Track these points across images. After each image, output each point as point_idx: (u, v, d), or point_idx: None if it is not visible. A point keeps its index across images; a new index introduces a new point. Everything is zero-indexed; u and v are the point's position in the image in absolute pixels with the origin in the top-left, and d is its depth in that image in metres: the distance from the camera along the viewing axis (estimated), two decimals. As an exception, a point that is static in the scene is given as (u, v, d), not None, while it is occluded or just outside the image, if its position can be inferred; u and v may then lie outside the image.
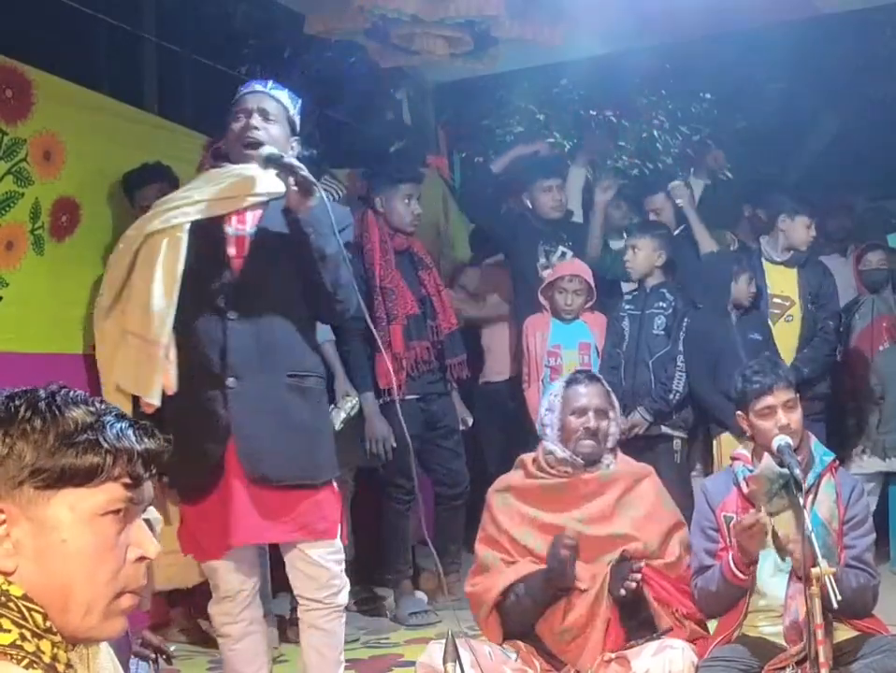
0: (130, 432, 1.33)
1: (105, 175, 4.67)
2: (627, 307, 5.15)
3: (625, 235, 5.37)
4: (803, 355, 5.17)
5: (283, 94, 3.20)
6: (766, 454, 3.14)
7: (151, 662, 2.76)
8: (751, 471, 3.17)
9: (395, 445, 4.80)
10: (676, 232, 5.59)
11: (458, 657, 2.00)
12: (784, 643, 3.02)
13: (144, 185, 4.56)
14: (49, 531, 1.28)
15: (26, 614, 1.27)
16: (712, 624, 3.30)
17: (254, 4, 6.39)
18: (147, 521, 2.29)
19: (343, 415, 4.67)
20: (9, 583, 1.27)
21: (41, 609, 1.28)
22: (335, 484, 3.12)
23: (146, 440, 1.34)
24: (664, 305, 5.07)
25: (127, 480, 1.32)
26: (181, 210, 2.98)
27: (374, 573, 5.31)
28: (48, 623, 1.28)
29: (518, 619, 3.21)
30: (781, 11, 5.72)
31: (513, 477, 3.42)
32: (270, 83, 3.23)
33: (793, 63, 6.89)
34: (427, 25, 5.20)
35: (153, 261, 2.93)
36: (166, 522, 3.26)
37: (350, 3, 5.09)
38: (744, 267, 5.12)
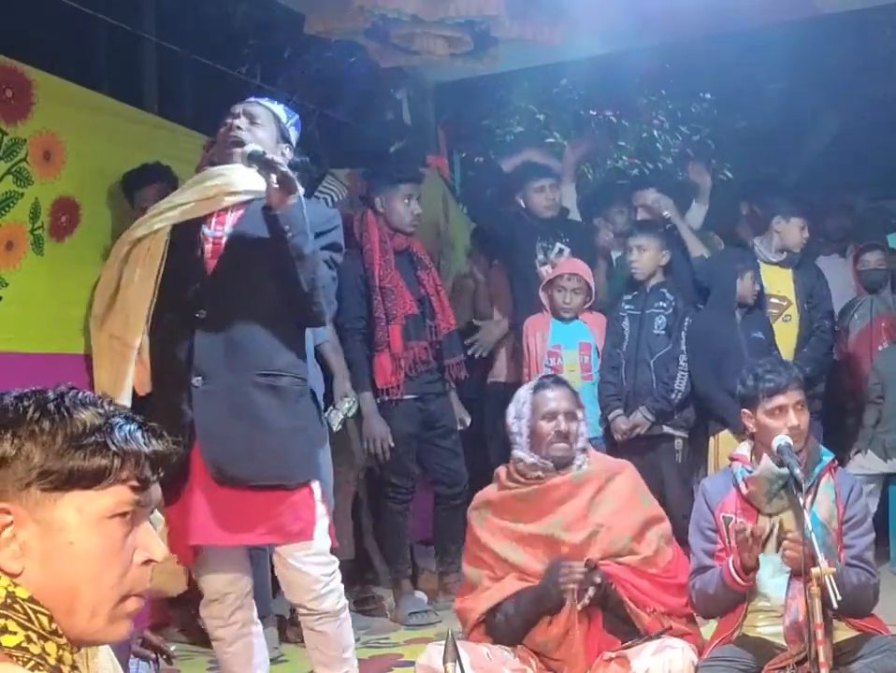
0: (139, 434, 1.32)
1: (105, 175, 4.67)
2: (626, 307, 5.15)
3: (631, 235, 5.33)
4: (803, 355, 5.18)
5: (276, 105, 3.25)
6: (765, 455, 3.15)
7: (151, 662, 2.76)
8: (750, 472, 3.17)
9: (392, 444, 4.81)
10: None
11: (458, 657, 2.00)
12: (784, 643, 3.02)
13: (144, 185, 4.56)
14: (56, 533, 1.27)
15: (32, 616, 1.26)
16: (710, 626, 3.31)
17: (254, 4, 6.39)
18: (147, 521, 2.29)
19: (341, 416, 4.67)
20: (15, 585, 1.27)
21: (47, 612, 1.27)
22: (315, 485, 3.05)
23: (154, 442, 1.33)
24: (664, 305, 5.07)
25: (135, 483, 1.31)
26: (164, 216, 3.05)
27: (371, 573, 5.32)
28: (53, 626, 1.28)
29: (506, 635, 3.19)
30: (781, 11, 5.71)
31: (489, 491, 3.43)
32: (266, 100, 3.28)
33: (793, 63, 6.90)
34: (427, 25, 5.19)
35: (135, 266, 3.02)
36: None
37: (350, 3, 5.09)
38: (748, 265, 5.12)
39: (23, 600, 1.26)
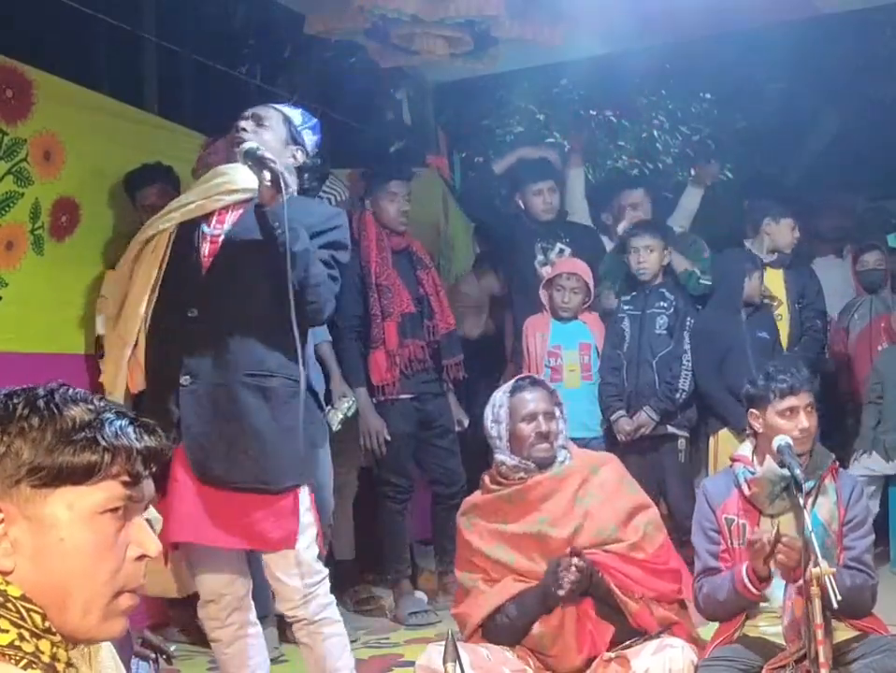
0: (130, 430, 1.32)
1: (105, 175, 4.67)
2: (626, 307, 5.15)
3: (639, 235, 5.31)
4: (794, 354, 5.19)
5: (291, 108, 3.26)
6: (768, 456, 3.14)
7: (151, 662, 2.76)
8: (752, 473, 3.16)
9: (388, 438, 4.81)
10: None
11: (458, 657, 2.00)
12: (784, 643, 3.02)
13: (146, 185, 4.57)
14: (47, 530, 1.27)
15: (24, 614, 1.26)
16: (711, 626, 3.31)
17: (254, 4, 6.39)
18: (146, 520, 2.29)
19: (340, 416, 4.67)
20: (7, 583, 1.26)
21: (40, 610, 1.27)
22: (302, 492, 3.00)
23: (146, 438, 1.33)
24: (665, 304, 5.07)
25: (126, 478, 1.31)
26: (170, 215, 3.06)
27: (372, 573, 5.32)
28: (46, 624, 1.27)
29: (508, 636, 3.19)
30: (781, 11, 5.72)
31: (475, 496, 3.43)
32: (284, 104, 3.31)
33: (793, 63, 6.90)
34: (427, 25, 5.19)
35: (141, 266, 3.04)
36: None
37: (350, 3, 5.09)
38: (756, 265, 5.14)
39: (15, 598, 1.26)
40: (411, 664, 3.38)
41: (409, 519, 5.14)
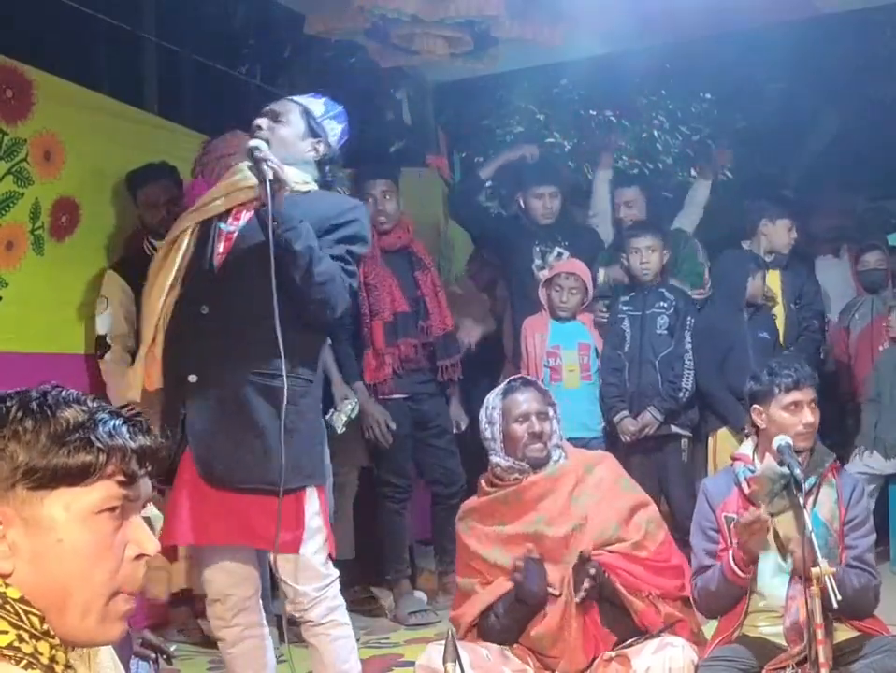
0: (124, 429, 1.32)
1: (105, 175, 4.67)
2: (625, 308, 5.14)
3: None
4: (790, 354, 5.19)
5: (312, 100, 3.21)
6: (768, 454, 3.15)
7: (151, 662, 2.76)
8: (752, 471, 3.17)
9: (392, 427, 4.80)
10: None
11: (458, 657, 2.00)
12: (784, 643, 3.02)
13: (148, 182, 4.56)
14: (44, 532, 1.27)
15: (23, 616, 1.26)
16: (711, 626, 3.31)
17: (254, 4, 6.40)
18: (146, 519, 2.29)
19: (344, 417, 4.67)
20: (6, 586, 1.27)
21: (38, 612, 1.27)
22: (308, 494, 2.97)
23: (140, 437, 1.33)
24: (665, 304, 5.07)
25: (122, 478, 1.31)
26: (192, 215, 3.08)
27: (372, 573, 5.32)
28: (45, 626, 1.27)
29: (499, 635, 3.19)
30: (781, 11, 5.72)
31: (472, 500, 3.43)
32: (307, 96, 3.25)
33: (793, 63, 6.91)
34: (427, 25, 5.19)
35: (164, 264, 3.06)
36: None
37: (350, 3, 5.09)
38: (759, 265, 5.14)
39: (14, 600, 1.26)
40: (411, 664, 3.38)
41: (408, 519, 5.14)
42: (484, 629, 3.21)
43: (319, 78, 6.48)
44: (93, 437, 1.29)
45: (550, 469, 3.31)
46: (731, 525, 3.13)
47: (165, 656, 2.84)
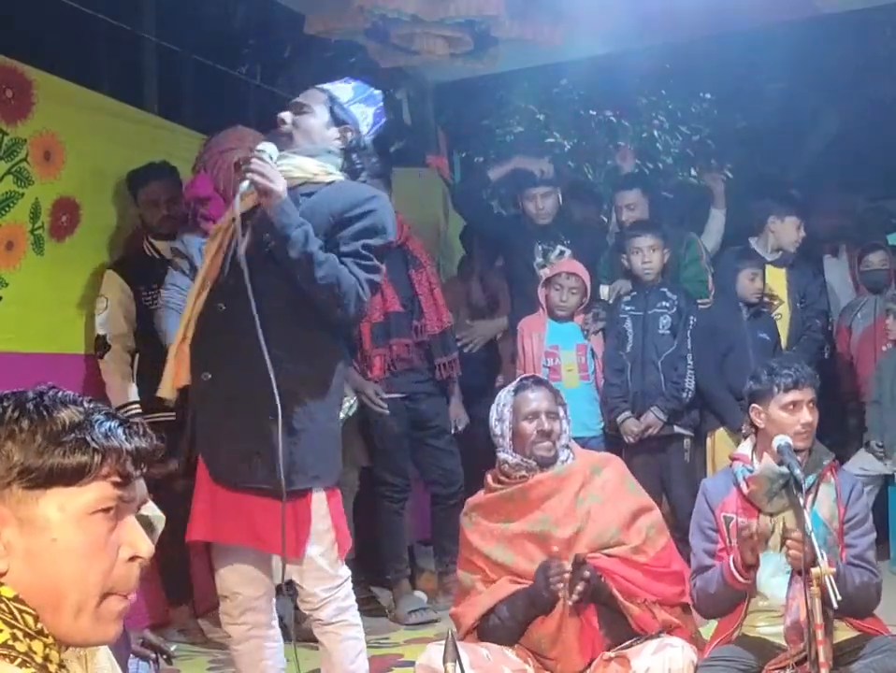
0: (119, 431, 1.32)
1: (105, 175, 4.67)
2: (627, 308, 5.14)
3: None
4: (793, 353, 5.19)
5: (337, 85, 3.17)
6: (766, 454, 3.15)
7: (151, 662, 2.75)
8: (751, 471, 3.17)
9: (383, 395, 4.79)
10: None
11: (458, 657, 2.00)
12: (784, 643, 3.01)
13: (149, 181, 4.57)
14: (39, 531, 1.28)
15: (17, 615, 1.26)
16: (710, 626, 3.31)
17: (254, 4, 6.40)
18: (146, 518, 2.29)
19: (342, 416, 4.66)
20: (1, 584, 1.27)
21: (33, 611, 1.27)
22: (316, 496, 2.93)
23: (135, 439, 1.33)
24: (667, 304, 5.07)
25: (116, 479, 1.31)
26: (230, 212, 3.05)
27: (371, 573, 5.32)
28: (39, 625, 1.28)
29: (501, 638, 3.18)
30: (781, 11, 5.72)
31: (478, 496, 3.43)
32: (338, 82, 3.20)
33: (793, 63, 6.92)
34: (427, 25, 5.20)
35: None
36: None
37: (350, 3, 5.09)
38: (747, 265, 5.13)
39: (8, 599, 1.26)
40: (411, 664, 3.38)
41: (408, 519, 5.14)
42: (484, 630, 3.21)
43: (319, 78, 6.47)
44: (88, 438, 1.29)
45: (557, 469, 3.31)
46: (730, 525, 3.13)
47: (165, 656, 2.84)
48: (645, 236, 5.12)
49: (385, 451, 4.92)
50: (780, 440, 3.07)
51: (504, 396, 3.39)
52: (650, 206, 5.65)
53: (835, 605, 2.66)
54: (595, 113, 7.90)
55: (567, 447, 3.37)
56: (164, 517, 2.47)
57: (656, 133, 8.00)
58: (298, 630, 4.19)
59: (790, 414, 3.15)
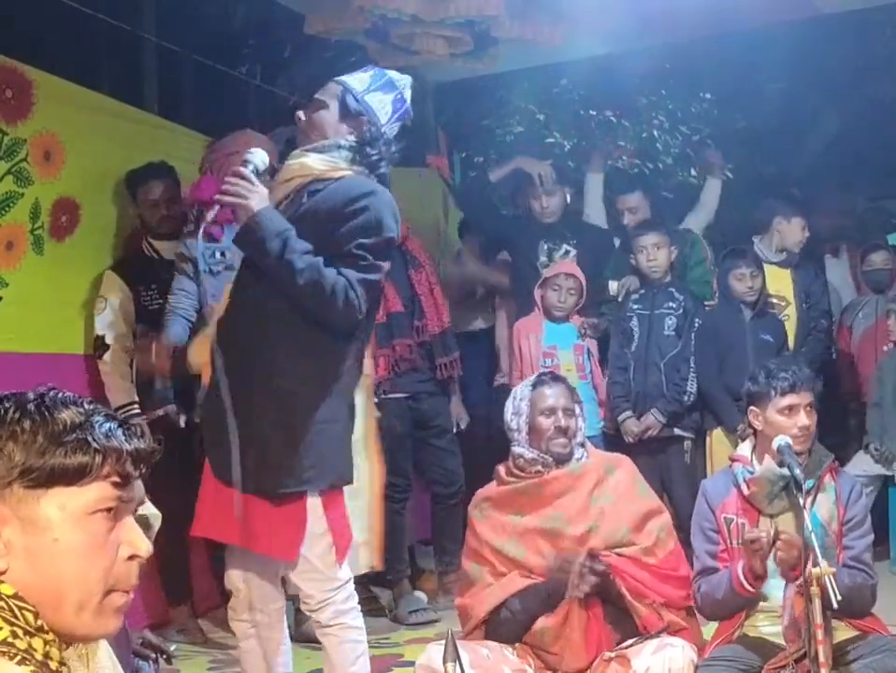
0: (119, 432, 1.34)
1: (105, 175, 4.67)
2: (634, 306, 5.14)
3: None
4: (801, 354, 5.18)
5: (353, 75, 3.10)
6: (767, 456, 3.14)
7: (151, 662, 2.75)
8: (751, 473, 3.16)
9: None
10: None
11: (458, 657, 2.00)
12: (783, 643, 3.01)
13: (148, 181, 4.57)
14: (40, 530, 1.29)
15: (17, 613, 1.27)
16: (711, 626, 3.31)
17: (254, 4, 6.40)
18: (144, 517, 2.29)
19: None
20: (0, 582, 1.28)
21: (32, 608, 1.28)
22: (312, 499, 2.89)
23: (135, 440, 1.35)
24: (674, 305, 5.07)
25: (116, 479, 1.32)
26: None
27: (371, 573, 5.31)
28: (39, 622, 1.29)
29: (510, 632, 3.19)
30: (781, 11, 5.72)
31: (489, 488, 3.43)
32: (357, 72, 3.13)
33: (793, 63, 6.91)
34: (427, 25, 5.20)
35: None
36: None
37: (350, 3, 5.09)
38: (734, 264, 5.12)
39: (8, 597, 1.27)
40: (411, 664, 3.38)
41: (408, 519, 5.14)
42: (493, 624, 3.21)
43: (319, 78, 6.47)
44: (89, 438, 1.30)
45: (573, 466, 3.32)
46: (731, 526, 3.13)
47: (165, 656, 2.84)
48: (649, 234, 5.13)
49: (387, 451, 4.91)
50: (780, 440, 3.06)
51: (521, 391, 3.40)
52: (651, 206, 5.65)
53: (835, 605, 2.66)
54: (595, 113, 7.90)
55: (582, 445, 3.39)
56: (160, 514, 2.47)
57: (656, 133, 7.99)
58: (300, 631, 4.21)
59: (787, 418, 3.14)
